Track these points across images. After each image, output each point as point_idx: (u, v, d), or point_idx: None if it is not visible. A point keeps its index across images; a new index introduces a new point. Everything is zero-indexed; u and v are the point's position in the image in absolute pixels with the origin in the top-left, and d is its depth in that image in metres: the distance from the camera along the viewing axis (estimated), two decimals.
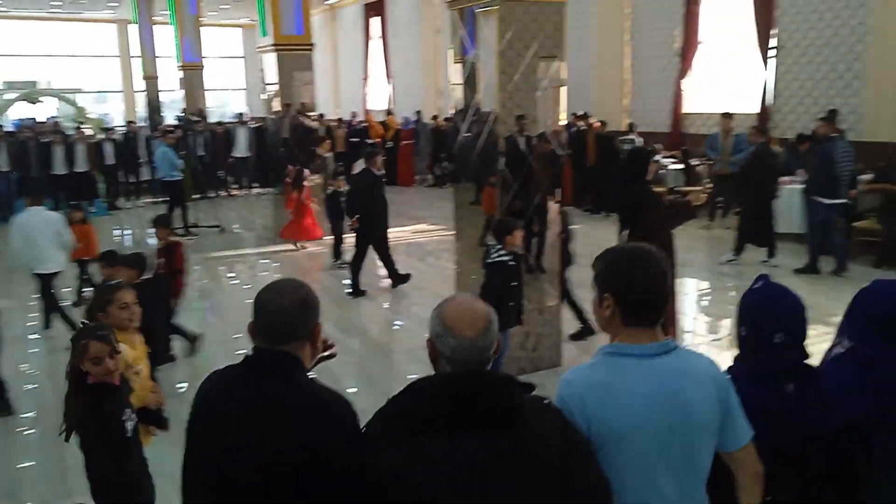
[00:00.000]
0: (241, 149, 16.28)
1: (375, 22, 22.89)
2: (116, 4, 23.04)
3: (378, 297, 8.07)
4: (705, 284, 8.21)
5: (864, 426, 2.01)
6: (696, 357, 1.89)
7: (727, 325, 6.66)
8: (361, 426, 1.76)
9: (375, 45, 23.16)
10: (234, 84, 29.46)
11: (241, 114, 18.57)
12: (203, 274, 9.31)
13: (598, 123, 12.67)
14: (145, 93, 21.46)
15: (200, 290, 8.45)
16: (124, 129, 16.76)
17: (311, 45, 10.97)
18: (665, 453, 1.75)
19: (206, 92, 17.74)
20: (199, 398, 1.92)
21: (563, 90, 5.68)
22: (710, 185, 11.02)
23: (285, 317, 1.84)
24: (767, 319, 2.00)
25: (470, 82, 5.94)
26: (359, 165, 11.19)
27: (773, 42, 11.65)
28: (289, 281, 1.96)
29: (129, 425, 2.81)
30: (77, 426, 2.75)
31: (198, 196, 14.34)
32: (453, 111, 6.15)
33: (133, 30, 22.95)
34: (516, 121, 5.41)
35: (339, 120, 18.40)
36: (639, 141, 12.50)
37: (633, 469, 1.75)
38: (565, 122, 5.91)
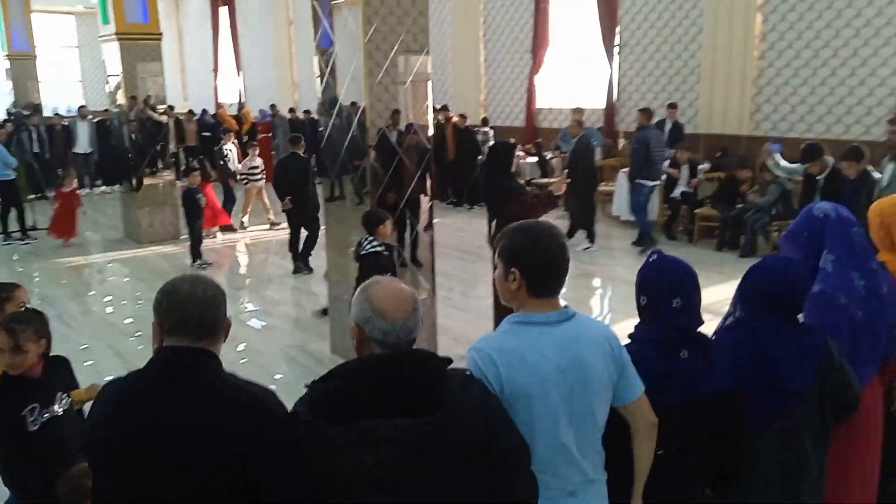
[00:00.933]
0: (83, 145, 15.12)
1: (224, 12, 22.01)
2: None
3: (243, 297, 7.80)
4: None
5: (746, 389, 2.20)
6: (592, 322, 2.06)
7: (594, 307, 7.00)
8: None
9: (225, 35, 22.28)
10: (70, 75, 27.32)
11: (81, 107, 17.27)
12: (45, 281, 8.60)
13: (458, 117, 12.88)
14: None
15: (43, 297, 7.80)
16: None
17: (159, 34, 10.38)
18: (568, 410, 1.92)
19: (39, 84, 16.32)
20: (108, 414, 1.75)
21: (429, 84, 5.73)
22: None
23: (208, 308, 1.76)
24: (664, 287, 2.17)
25: (332, 75, 5.85)
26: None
27: (616, 40, 12.34)
28: (192, 275, 1.85)
29: (34, 421, 2.71)
30: None
31: (35, 196, 13.21)
32: (320, 103, 6.03)
33: None
34: (392, 115, 5.39)
35: (190, 112, 17.54)
36: (490, 134, 12.87)
37: (540, 425, 1.89)
38: (431, 116, 5.96)
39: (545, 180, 11.37)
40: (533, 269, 1.94)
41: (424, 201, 5.71)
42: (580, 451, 1.96)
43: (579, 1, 12.96)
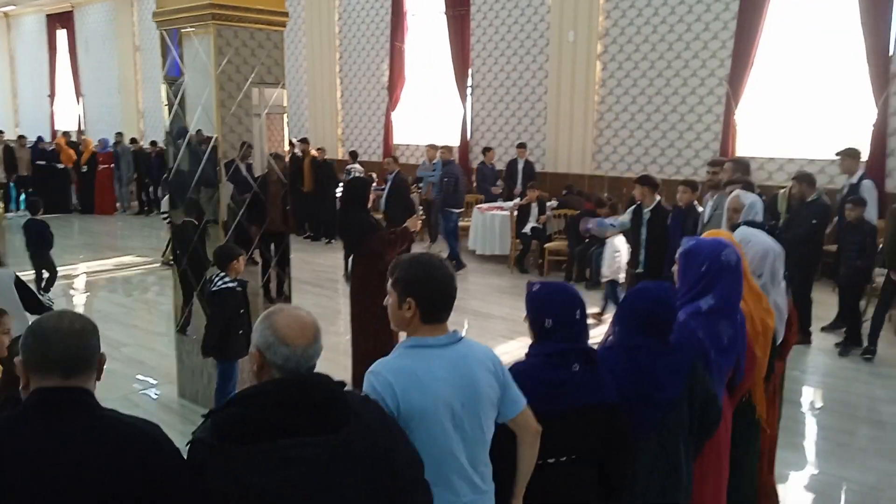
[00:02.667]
0: None
1: (62, 35, 20.75)
2: None
3: None
4: None
5: (626, 401, 2.40)
6: (477, 345, 2.23)
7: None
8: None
9: (63, 60, 20.96)
10: None
11: None
12: None
13: (317, 151, 12.76)
14: None
15: None
16: None
17: None
18: (459, 425, 2.06)
19: None
20: None
21: (285, 117, 5.67)
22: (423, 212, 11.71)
23: (81, 342, 1.68)
24: (565, 306, 2.38)
25: (181, 104, 5.65)
26: None
27: (469, 81, 12.78)
28: (58, 311, 1.77)
29: None
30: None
31: None
32: (168, 133, 5.79)
33: None
34: (242, 147, 5.27)
35: (21, 138, 16.24)
36: (359, 170, 12.87)
37: (434, 440, 2.02)
38: (287, 149, 5.89)
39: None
40: (427, 298, 2.09)
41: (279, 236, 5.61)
42: (471, 463, 2.10)
43: (434, 42, 13.34)
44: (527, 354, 2.43)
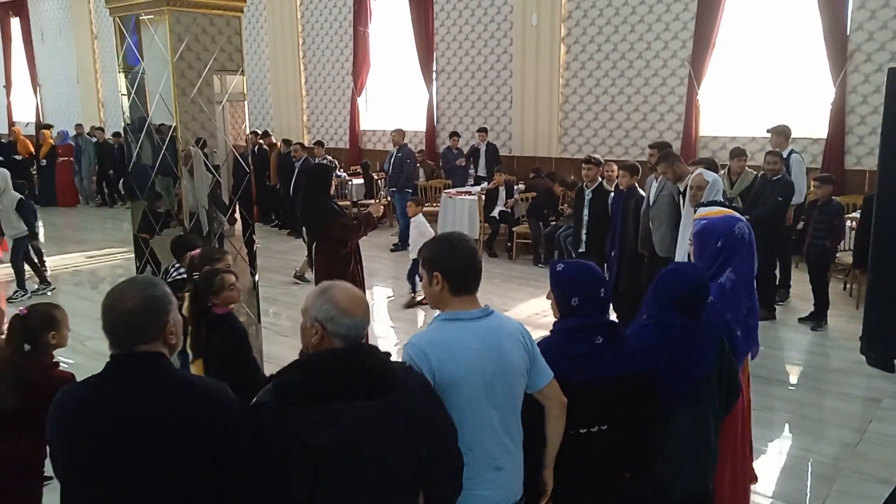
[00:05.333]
0: None
1: (16, 23, 20.20)
2: None
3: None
4: (389, 291, 8.66)
5: (657, 374, 2.51)
6: (507, 318, 2.36)
7: (420, 322, 7.11)
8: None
9: (17, 49, 20.43)
10: None
11: None
12: None
13: (282, 143, 12.60)
14: None
15: None
16: None
17: None
18: (491, 394, 2.18)
19: None
20: (64, 423, 1.83)
21: (245, 105, 5.59)
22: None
23: (130, 321, 1.83)
24: (588, 284, 2.49)
25: (139, 94, 5.55)
26: None
27: (434, 66, 12.73)
28: (136, 281, 1.94)
29: None
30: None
31: None
32: (127, 124, 5.68)
33: None
34: (198, 141, 5.20)
35: None
36: (327, 159, 12.73)
37: (467, 408, 2.14)
38: (247, 140, 5.81)
39: (368, 201, 11.46)
40: (452, 271, 2.22)
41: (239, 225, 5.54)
42: (503, 429, 2.22)
43: (398, 27, 13.25)
44: (551, 331, 2.54)
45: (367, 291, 6.47)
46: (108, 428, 1.77)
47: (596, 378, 2.41)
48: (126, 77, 5.62)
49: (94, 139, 15.30)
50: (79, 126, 15.78)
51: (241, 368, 3.28)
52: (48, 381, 2.76)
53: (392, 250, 10.32)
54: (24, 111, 20.45)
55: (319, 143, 12.01)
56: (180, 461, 1.77)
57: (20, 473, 2.91)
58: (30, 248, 8.24)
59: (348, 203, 11.27)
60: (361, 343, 1.94)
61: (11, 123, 19.02)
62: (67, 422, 1.83)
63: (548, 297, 2.60)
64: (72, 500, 1.86)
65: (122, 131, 7.41)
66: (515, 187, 10.26)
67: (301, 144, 11.15)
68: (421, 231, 7.62)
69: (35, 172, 14.95)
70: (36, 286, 8.34)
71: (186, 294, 3.64)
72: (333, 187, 5.62)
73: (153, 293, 1.88)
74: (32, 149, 15.04)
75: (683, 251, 5.20)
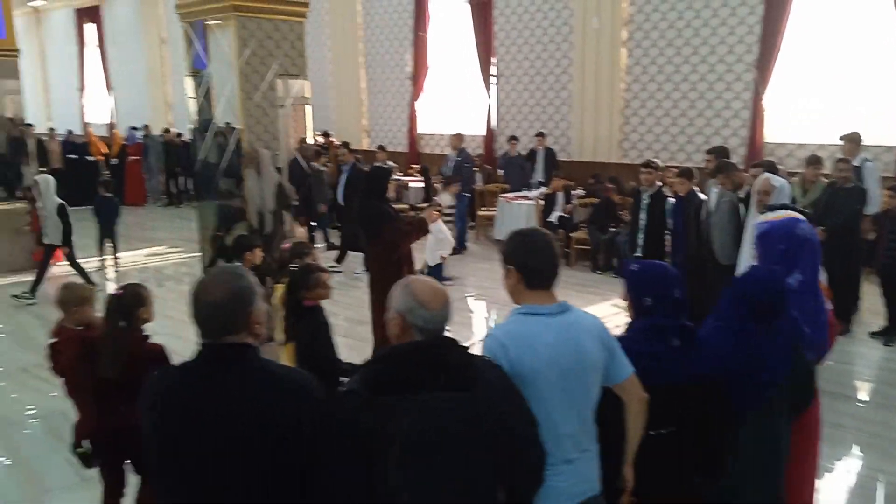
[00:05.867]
0: None
1: (91, 28, 21.01)
2: None
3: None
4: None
5: (729, 379, 2.48)
6: (585, 314, 2.34)
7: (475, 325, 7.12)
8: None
9: (92, 53, 21.24)
10: None
11: None
12: None
13: (341, 145, 12.72)
14: None
15: None
16: None
17: (16, 51, 9.75)
18: (567, 388, 2.19)
19: None
20: (156, 405, 1.89)
21: (308, 108, 5.71)
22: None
23: (216, 313, 1.87)
24: (663, 284, 2.50)
25: (206, 97, 5.72)
26: None
27: (493, 70, 12.73)
28: (224, 271, 2.00)
29: None
30: (307, 343, 3.40)
31: None
32: (194, 125, 5.86)
33: None
34: (300, 142, 5.34)
35: (52, 130, 16.47)
36: (389, 164, 12.82)
37: (544, 402, 2.15)
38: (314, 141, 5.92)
39: (422, 205, 11.50)
40: (525, 265, 2.26)
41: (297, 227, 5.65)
42: (577, 423, 2.23)
43: (458, 31, 13.30)
44: (626, 330, 2.54)
45: None
46: (198, 417, 1.83)
47: (667, 380, 2.41)
48: (193, 80, 5.80)
49: (162, 139, 15.80)
50: (146, 126, 16.30)
51: (322, 358, 3.49)
52: (142, 353, 3.20)
53: (450, 253, 10.33)
54: (98, 113, 21.24)
55: (381, 148, 12.05)
56: (267, 451, 1.82)
57: (120, 437, 3.18)
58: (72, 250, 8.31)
59: (406, 207, 11.33)
60: (442, 336, 1.97)
61: (85, 124, 19.76)
62: (158, 408, 1.89)
63: (623, 299, 2.60)
64: (160, 482, 1.93)
65: (188, 132, 7.68)
66: (573, 193, 10.16)
67: (347, 148, 10.95)
68: (438, 238, 7.65)
69: (108, 172, 15.52)
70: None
71: (279, 284, 3.95)
72: (391, 191, 5.65)
73: (239, 284, 1.92)
74: (105, 149, 15.61)
75: (747, 257, 5.07)
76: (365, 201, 5.50)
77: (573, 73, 11.57)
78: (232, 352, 1.89)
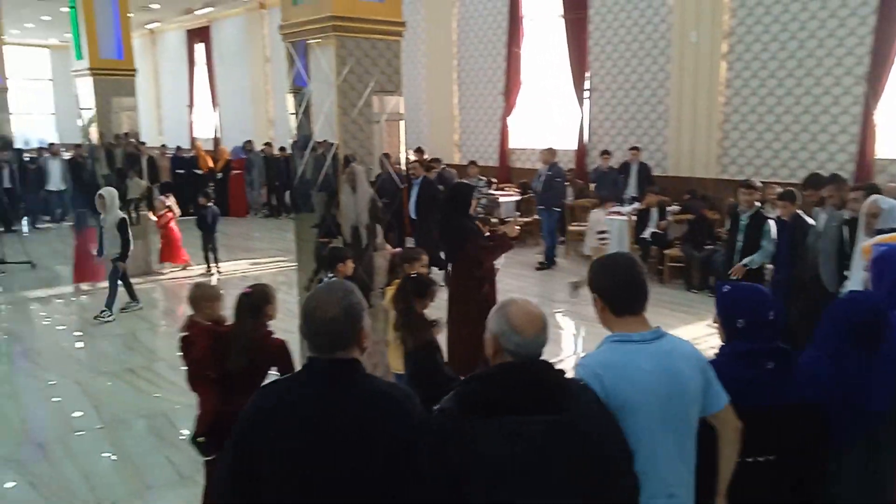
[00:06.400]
0: (55, 182, 15.25)
1: (200, 48, 22.17)
2: None
3: None
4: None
5: (828, 406, 2.39)
6: (681, 341, 2.28)
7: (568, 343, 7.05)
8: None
9: (200, 71, 22.39)
10: (42, 108, 27.20)
11: (51, 144, 17.15)
12: (12, 315, 8.45)
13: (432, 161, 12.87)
14: None
15: (9, 332, 7.66)
16: None
17: (133, 70, 10.40)
18: (666, 418, 2.12)
19: (10, 116, 16.14)
20: (262, 417, 1.92)
21: (402, 124, 5.82)
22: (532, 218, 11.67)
23: (329, 329, 1.91)
24: (757, 306, 2.42)
25: (306, 113, 5.92)
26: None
27: (587, 84, 12.62)
28: (334, 288, 2.00)
29: None
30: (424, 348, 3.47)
31: (3, 230, 13.11)
32: (294, 141, 6.08)
33: None
34: (385, 156, 5.49)
35: (163, 146, 17.46)
36: (482, 182, 12.88)
37: (641, 432, 2.08)
38: (405, 156, 6.05)
39: (503, 220, 11.46)
40: (609, 292, 2.22)
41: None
42: (678, 454, 2.16)
43: (551, 46, 13.28)
44: (717, 354, 2.47)
45: None
46: (305, 432, 1.85)
47: (761, 405, 2.32)
48: (294, 97, 6.02)
49: (263, 154, 16.47)
50: (249, 142, 17.05)
51: (434, 369, 3.56)
52: (266, 346, 3.47)
53: (537, 269, 10.30)
54: (205, 128, 22.35)
55: (473, 163, 12.09)
56: (371, 467, 1.83)
57: None
58: (119, 267, 8.10)
59: (496, 221, 11.33)
60: (535, 359, 1.94)
61: (193, 140, 20.82)
62: (266, 421, 1.91)
63: (714, 322, 2.52)
64: (266, 495, 1.92)
65: (288, 147, 7.97)
66: (668, 209, 9.93)
67: (419, 162, 10.56)
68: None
69: (213, 185, 16.31)
70: (126, 303, 8.37)
71: (389, 286, 4.18)
72: (474, 206, 5.65)
73: (351, 301, 1.95)
74: (211, 163, 16.43)
75: (856, 281, 4.82)
76: (448, 217, 5.53)
77: (670, 86, 11.33)
78: (343, 368, 1.92)
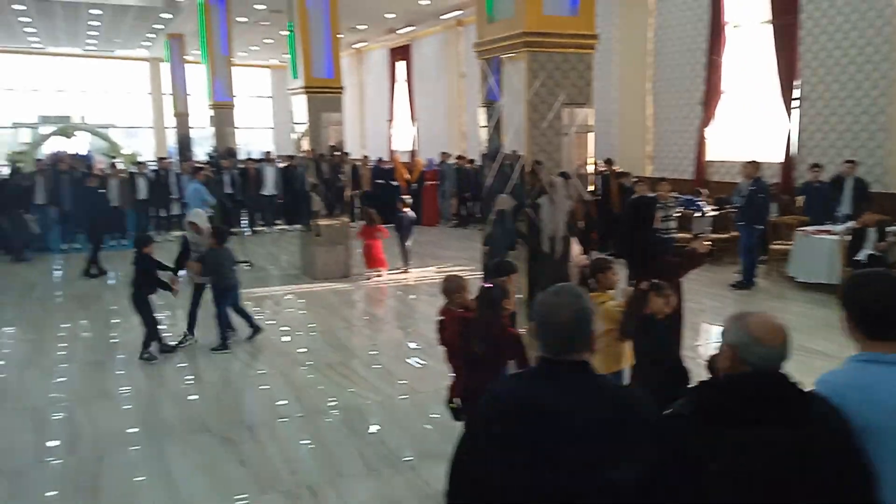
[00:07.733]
0: (269, 187, 16.71)
1: (401, 66, 23.39)
2: (149, 44, 23.74)
3: (405, 335, 8.11)
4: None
5: None
6: None
7: None
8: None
9: (400, 88, 23.61)
10: (262, 122, 30.06)
11: (268, 152, 18.89)
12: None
13: (623, 177, 12.59)
14: (176, 129, 21.97)
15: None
16: (155, 164, 17.15)
17: (341, 88, 11.21)
18: None
19: (235, 130, 18.00)
20: (500, 411, 1.96)
21: (591, 136, 5.80)
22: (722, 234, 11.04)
23: (563, 333, 1.95)
24: None
25: (497, 126, 6.07)
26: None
27: (796, 93, 11.76)
28: (565, 293, 2.03)
29: None
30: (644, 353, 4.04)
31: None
32: (484, 153, 6.27)
33: (165, 68, 23.61)
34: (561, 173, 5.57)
35: (365, 157, 18.63)
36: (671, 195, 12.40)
37: (888, 459, 1.93)
38: (593, 167, 6.00)
39: (690, 236, 10.92)
40: (860, 311, 2.08)
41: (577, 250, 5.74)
42: None
43: (755, 53, 12.53)
44: None
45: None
46: (538, 426, 1.87)
47: None
48: (486, 111, 6.20)
49: (456, 165, 17.03)
50: (444, 154, 17.72)
51: (676, 364, 3.95)
52: (504, 336, 3.99)
53: (733, 287, 9.74)
54: (403, 142, 23.53)
55: (663, 179, 11.72)
56: (602, 465, 1.82)
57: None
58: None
59: (690, 236, 10.88)
60: (775, 371, 1.89)
61: (392, 152, 21.98)
62: (499, 413, 1.96)
63: None
64: (489, 480, 1.93)
65: (479, 159, 8.20)
66: (888, 228, 8.98)
67: (639, 180, 10.71)
68: None
69: (408, 195, 17.14)
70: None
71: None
72: (657, 221, 5.49)
73: (582, 305, 1.98)
74: (407, 175, 17.28)
75: None
76: (632, 232, 5.41)
77: (893, 94, 10.26)
78: (574, 369, 1.94)
